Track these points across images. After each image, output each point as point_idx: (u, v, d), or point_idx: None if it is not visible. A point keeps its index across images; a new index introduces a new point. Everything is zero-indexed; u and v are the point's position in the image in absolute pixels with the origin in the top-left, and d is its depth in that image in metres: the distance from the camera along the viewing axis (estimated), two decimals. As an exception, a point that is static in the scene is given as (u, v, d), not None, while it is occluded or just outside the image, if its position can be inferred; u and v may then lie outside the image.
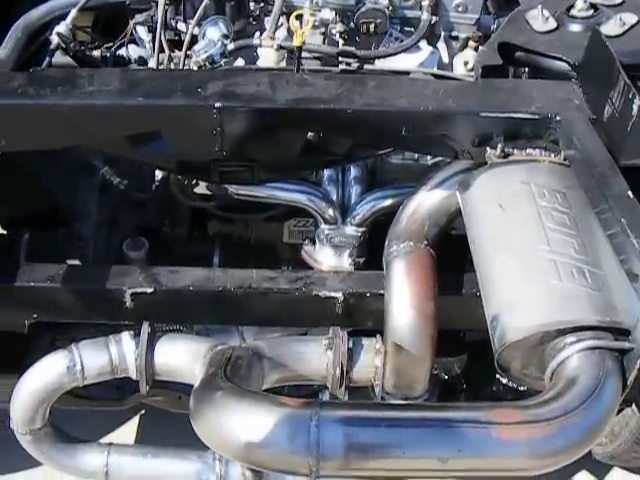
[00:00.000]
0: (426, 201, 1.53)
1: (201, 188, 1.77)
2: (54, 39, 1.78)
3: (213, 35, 1.65)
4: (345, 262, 1.68)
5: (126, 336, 1.56)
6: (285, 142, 1.42)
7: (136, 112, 1.36)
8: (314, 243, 1.72)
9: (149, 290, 1.51)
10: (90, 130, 1.40)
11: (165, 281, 1.53)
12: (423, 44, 1.81)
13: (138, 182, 1.81)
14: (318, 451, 1.04)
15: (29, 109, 1.38)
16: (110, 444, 1.70)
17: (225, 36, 1.64)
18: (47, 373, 1.57)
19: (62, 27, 1.80)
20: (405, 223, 1.53)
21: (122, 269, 1.56)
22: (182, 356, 1.40)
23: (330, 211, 1.65)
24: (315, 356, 1.38)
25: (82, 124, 1.39)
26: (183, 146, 1.40)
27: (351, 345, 1.38)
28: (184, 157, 1.47)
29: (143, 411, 2.25)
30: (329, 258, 1.68)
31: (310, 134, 1.43)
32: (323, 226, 1.65)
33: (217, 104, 1.35)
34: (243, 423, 1.08)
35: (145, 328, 1.40)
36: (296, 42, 1.56)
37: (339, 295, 1.51)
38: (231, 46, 1.64)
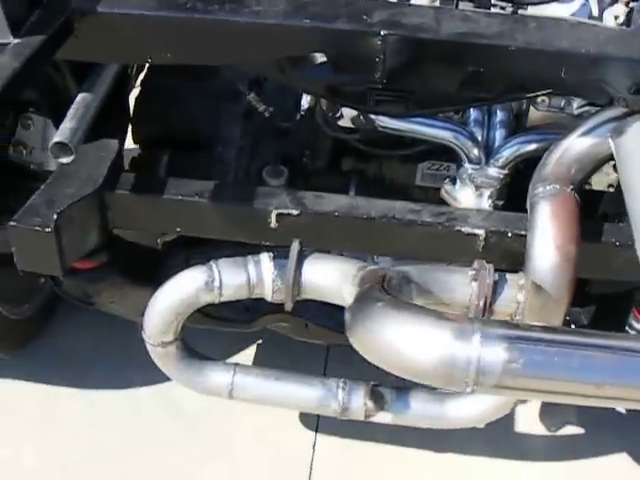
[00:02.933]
0: (575, 146, 1.62)
1: (345, 121, 1.91)
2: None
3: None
4: (485, 203, 1.79)
5: (265, 257, 1.71)
6: (444, 75, 1.52)
7: (302, 34, 1.50)
8: (454, 183, 1.84)
9: (295, 212, 1.65)
10: (254, 49, 1.54)
11: (311, 205, 1.67)
12: (578, -5, 1.89)
13: (282, 111, 1.95)
14: (478, 366, 1.15)
15: (196, 24, 1.53)
16: (236, 364, 1.87)
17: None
18: (185, 286, 1.73)
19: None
20: (552, 166, 1.62)
21: (269, 190, 1.71)
22: (330, 275, 1.53)
23: (475, 151, 1.77)
24: (460, 286, 1.48)
25: (247, 42, 1.53)
26: (345, 71, 1.53)
27: (496, 278, 1.48)
28: (343, 83, 1.59)
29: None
30: (469, 198, 1.80)
31: (469, 69, 1.54)
32: (467, 165, 1.77)
33: (383, 31, 1.48)
34: (404, 334, 1.22)
35: (295, 245, 1.53)
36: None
37: (481, 232, 1.62)
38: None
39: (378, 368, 1.32)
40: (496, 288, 1.50)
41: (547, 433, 2.14)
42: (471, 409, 1.80)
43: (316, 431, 2.15)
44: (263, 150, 1.97)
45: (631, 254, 1.46)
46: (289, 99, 1.98)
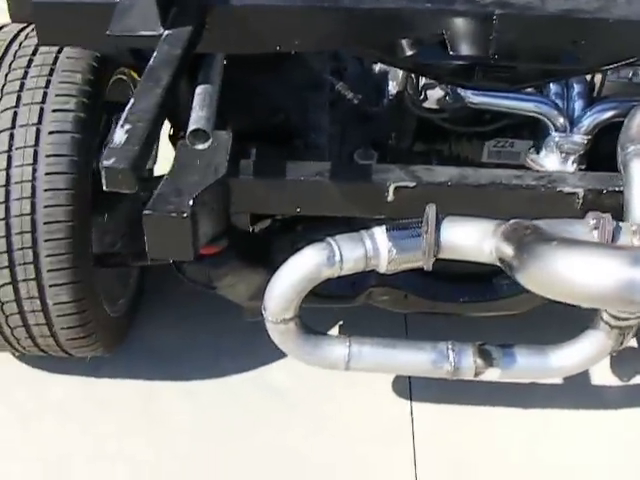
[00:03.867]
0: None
1: (429, 103, 2.09)
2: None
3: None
4: (570, 167, 1.99)
5: (379, 230, 1.86)
6: (551, 49, 1.72)
7: (424, 16, 1.68)
8: (538, 152, 2.03)
9: (411, 184, 1.81)
10: (377, 33, 1.71)
11: (425, 177, 1.84)
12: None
13: (366, 97, 2.12)
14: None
15: (323, 11, 1.71)
16: (349, 336, 2.02)
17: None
18: (308, 263, 1.88)
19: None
20: (637, 127, 1.84)
21: (383, 167, 1.88)
22: (470, 233, 1.69)
23: (561, 119, 1.98)
24: (583, 235, 1.67)
25: (370, 26, 1.70)
26: (461, 50, 1.71)
27: (614, 225, 1.67)
28: (458, 62, 1.76)
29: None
30: (555, 164, 2.01)
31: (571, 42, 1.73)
32: (554, 133, 1.97)
33: (497, 11, 1.67)
34: (586, 264, 1.43)
35: (433, 208, 1.69)
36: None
37: (580, 191, 1.81)
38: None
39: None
40: (614, 234, 1.70)
41: (621, 383, 2.35)
42: (571, 358, 1.99)
43: (411, 399, 2.31)
44: (352, 135, 2.14)
45: None
46: (370, 86, 2.17)
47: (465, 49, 1.73)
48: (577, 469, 2.19)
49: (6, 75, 1.97)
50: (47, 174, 1.89)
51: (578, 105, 2.01)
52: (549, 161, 2.03)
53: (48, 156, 1.89)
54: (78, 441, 2.21)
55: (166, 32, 1.61)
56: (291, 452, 2.21)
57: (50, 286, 1.97)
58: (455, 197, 1.86)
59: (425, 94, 2.09)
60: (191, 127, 1.74)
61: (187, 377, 2.34)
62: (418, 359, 2.02)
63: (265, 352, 2.31)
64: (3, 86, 1.95)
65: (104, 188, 1.36)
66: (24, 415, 2.26)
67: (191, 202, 1.77)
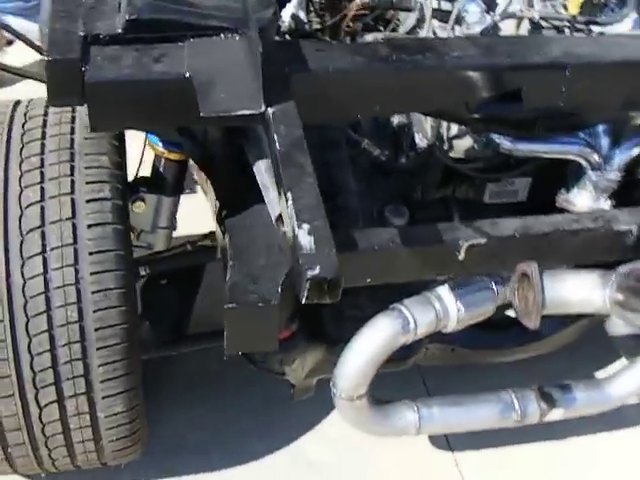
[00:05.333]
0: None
1: (454, 153, 2.11)
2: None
3: (475, 9, 2.00)
4: (604, 205, 2.08)
5: (445, 290, 1.88)
6: (609, 95, 1.81)
7: (502, 71, 1.71)
8: (568, 191, 2.11)
9: (482, 241, 1.82)
10: (457, 92, 1.72)
11: (492, 231, 1.86)
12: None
13: (388, 150, 2.10)
14: None
15: (404, 74, 1.70)
16: (414, 400, 2.00)
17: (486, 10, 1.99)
18: (383, 334, 1.86)
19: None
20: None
21: (449, 225, 1.88)
22: (577, 287, 1.74)
23: (595, 157, 2.06)
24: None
25: (451, 86, 1.70)
26: (535, 104, 1.75)
27: None
28: (531, 114, 1.80)
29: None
30: (588, 202, 2.08)
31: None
32: (590, 172, 2.05)
33: (569, 63, 1.72)
34: None
35: (535, 266, 1.71)
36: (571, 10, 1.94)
37: (634, 227, 1.91)
38: (497, 18, 1.99)
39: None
40: None
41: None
42: (628, 386, 2.10)
43: (451, 450, 2.35)
44: (377, 192, 2.12)
45: None
46: (387, 140, 2.16)
47: (539, 101, 1.79)
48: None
49: (20, 165, 1.79)
50: (93, 274, 1.73)
51: (605, 143, 2.09)
52: (582, 199, 2.10)
53: (91, 254, 1.73)
54: None
55: (270, 110, 1.52)
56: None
57: (103, 398, 1.80)
58: (521, 248, 1.91)
59: (451, 144, 2.14)
60: (279, 210, 1.67)
61: (217, 467, 2.25)
62: (486, 413, 2.05)
63: (291, 426, 2.32)
64: (20, 178, 1.77)
65: (302, 301, 1.26)
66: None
67: (279, 289, 1.70)
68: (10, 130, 1.85)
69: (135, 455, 2.03)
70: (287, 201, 1.37)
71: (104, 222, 1.75)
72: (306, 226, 1.32)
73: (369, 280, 1.88)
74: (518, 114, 1.81)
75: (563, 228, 1.93)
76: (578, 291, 1.75)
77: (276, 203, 1.67)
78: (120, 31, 1.62)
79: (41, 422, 1.82)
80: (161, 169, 2.00)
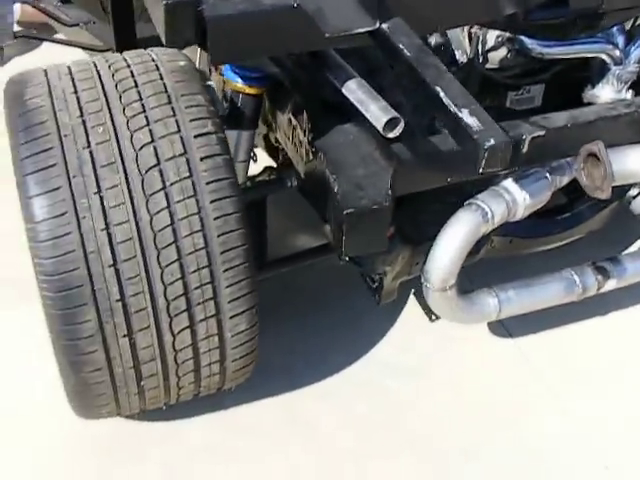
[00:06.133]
0: None
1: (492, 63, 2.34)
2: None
3: None
4: (628, 95, 2.36)
5: (509, 182, 2.12)
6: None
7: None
8: (593, 87, 2.38)
9: (542, 133, 2.06)
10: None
11: (548, 124, 2.11)
12: None
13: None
14: None
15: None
16: (491, 287, 2.24)
17: None
18: (467, 226, 2.11)
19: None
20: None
21: (510, 123, 2.06)
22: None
23: (617, 53, 2.35)
24: None
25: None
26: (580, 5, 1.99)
27: None
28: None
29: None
30: (612, 94, 2.37)
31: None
32: (614, 67, 2.33)
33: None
34: None
35: (601, 144, 1.96)
36: None
37: None
38: None
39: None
40: None
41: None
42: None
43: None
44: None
45: None
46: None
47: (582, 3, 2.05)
48: None
49: (123, 111, 1.91)
50: (212, 202, 1.88)
51: (621, 40, 2.38)
52: (606, 92, 2.39)
53: (208, 183, 1.89)
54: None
55: (384, 25, 1.71)
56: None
57: (231, 318, 1.97)
58: (573, 136, 2.18)
59: (486, 57, 2.36)
60: (384, 120, 1.86)
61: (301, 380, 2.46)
62: (554, 290, 2.34)
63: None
64: (128, 123, 1.90)
65: (480, 171, 1.47)
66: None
67: (390, 192, 1.90)
68: (102, 82, 1.96)
69: (249, 374, 2.21)
70: (439, 94, 1.58)
71: (214, 154, 1.91)
72: (465, 110, 1.54)
73: (449, 179, 2.14)
74: (563, 17, 2.07)
75: (604, 115, 2.22)
76: (641, 161, 2.03)
77: (382, 112, 1.88)
78: (219, -28, 1.82)
79: (174, 349, 1.97)
80: (239, 104, 2.18)
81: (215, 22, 1.73)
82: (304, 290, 2.73)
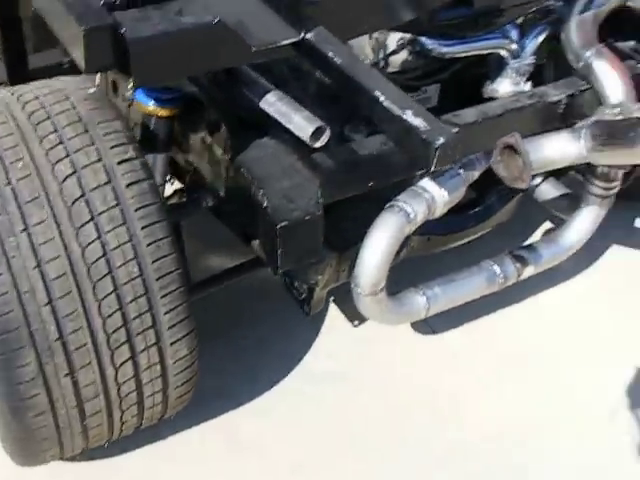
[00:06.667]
0: (585, 17, 2.41)
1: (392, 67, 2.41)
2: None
3: None
4: (526, 87, 2.46)
5: (426, 182, 2.17)
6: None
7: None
8: (492, 82, 2.47)
9: (455, 130, 2.14)
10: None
11: (459, 121, 2.21)
12: None
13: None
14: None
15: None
16: (417, 286, 2.29)
17: None
18: (392, 227, 2.13)
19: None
20: (579, 38, 2.40)
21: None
22: (552, 144, 2.09)
23: (514, 46, 2.46)
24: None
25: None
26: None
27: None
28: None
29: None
30: (511, 88, 2.47)
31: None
32: (512, 61, 2.45)
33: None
34: None
35: (517, 135, 2.03)
36: None
37: (562, 97, 2.36)
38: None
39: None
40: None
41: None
42: (578, 233, 2.51)
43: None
44: (334, 114, 2.34)
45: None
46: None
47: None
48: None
49: (40, 143, 1.87)
50: (143, 228, 1.87)
51: (515, 34, 2.49)
52: (505, 85, 2.50)
53: (137, 209, 1.87)
54: None
55: (308, 35, 1.74)
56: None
57: (171, 344, 1.96)
58: (484, 130, 2.28)
59: (388, 62, 2.42)
60: (310, 130, 1.89)
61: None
62: (477, 282, 2.41)
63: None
64: (46, 155, 1.85)
65: (432, 168, 1.52)
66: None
67: (319, 201, 1.93)
68: (14, 117, 1.92)
69: (188, 401, 2.19)
70: (379, 98, 1.62)
71: (139, 179, 1.90)
72: (409, 111, 1.59)
73: (371, 184, 2.18)
74: (466, 16, 2.16)
75: (510, 107, 2.33)
76: (556, 148, 2.12)
77: (307, 122, 1.90)
78: (133, -6, 1.81)
79: (117, 383, 1.95)
80: (152, 127, 2.16)
81: (137, 44, 1.73)
82: (226, 309, 2.72)
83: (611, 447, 2.45)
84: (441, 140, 1.59)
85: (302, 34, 1.78)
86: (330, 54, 1.76)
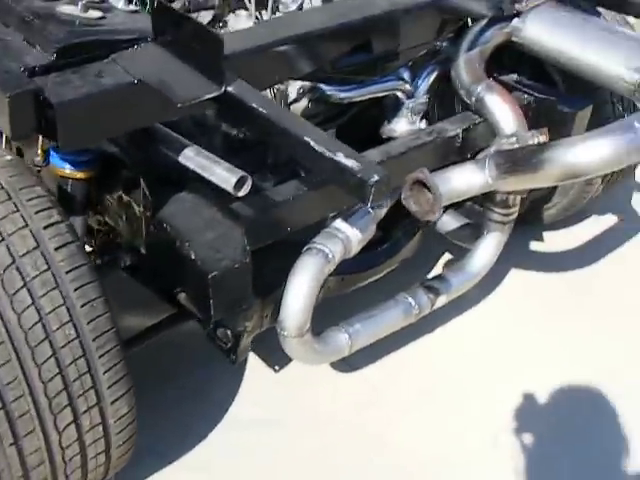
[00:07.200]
0: (471, 55, 2.58)
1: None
2: None
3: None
4: (419, 125, 2.61)
5: (339, 223, 2.29)
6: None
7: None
8: (389, 123, 2.61)
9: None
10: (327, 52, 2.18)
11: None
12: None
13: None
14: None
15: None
16: (338, 324, 2.40)
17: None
18: (313, 269, 2.24)
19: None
20: (468, 74, 2.57)
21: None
22: (459, 177, 2.22)
23: (407, 87, 2.62)
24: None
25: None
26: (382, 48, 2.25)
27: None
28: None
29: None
30: (407, 127, 2.62)
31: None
32: (407, 100, 2.60)
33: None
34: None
35: (425, 171, 2.16)
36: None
37: (459, 131, 2.53)
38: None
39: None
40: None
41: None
42: (483, 259, 2.67)
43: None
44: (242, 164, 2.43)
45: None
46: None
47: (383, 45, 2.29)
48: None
49: (-38, 215, 1.89)
50: (75, 289, 1.91)
51: (407, 75, 2.65)
52: (402, 125, 2.65)
53: (68, 272, 1.90)
54: None
55: (229, 88, 1.83)
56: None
57: (112, 403, 1.99)
58: (389, 168, 2.37)
59: (289, 109, 2.51)
60: (234, 178, 1.96)
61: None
62: (394, 315, 2.55)
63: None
64: (-30, 226, 1.88)
65: (368, 205, 1.63)
66: None
67: (247, 248, 2.00)
68: None
69: (128, 459, 2.21)
70: (309, 143, 1.72)
71: (67, 242, 1.94)
72: (340, 153, 1.69)
73: (289, 229, 2.28)
74: (365, 61, 2.30)
75: (412, 145, 2.48)
76: (463, 180, 2.27)
77: (229, 173, 1.98)
78: (52, 59, 1.86)
79: (61, 448, 1.96)
80: (69, 190, 2.20)
81: (62, 108, 1.78)
82: (152, 366, 2.72)
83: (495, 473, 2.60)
84: (375, 177, 1.71)
85: (223, 88, 1.88)
86: (254, 104, 1.86)
